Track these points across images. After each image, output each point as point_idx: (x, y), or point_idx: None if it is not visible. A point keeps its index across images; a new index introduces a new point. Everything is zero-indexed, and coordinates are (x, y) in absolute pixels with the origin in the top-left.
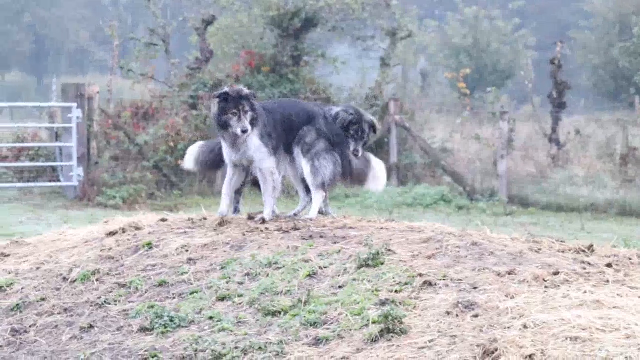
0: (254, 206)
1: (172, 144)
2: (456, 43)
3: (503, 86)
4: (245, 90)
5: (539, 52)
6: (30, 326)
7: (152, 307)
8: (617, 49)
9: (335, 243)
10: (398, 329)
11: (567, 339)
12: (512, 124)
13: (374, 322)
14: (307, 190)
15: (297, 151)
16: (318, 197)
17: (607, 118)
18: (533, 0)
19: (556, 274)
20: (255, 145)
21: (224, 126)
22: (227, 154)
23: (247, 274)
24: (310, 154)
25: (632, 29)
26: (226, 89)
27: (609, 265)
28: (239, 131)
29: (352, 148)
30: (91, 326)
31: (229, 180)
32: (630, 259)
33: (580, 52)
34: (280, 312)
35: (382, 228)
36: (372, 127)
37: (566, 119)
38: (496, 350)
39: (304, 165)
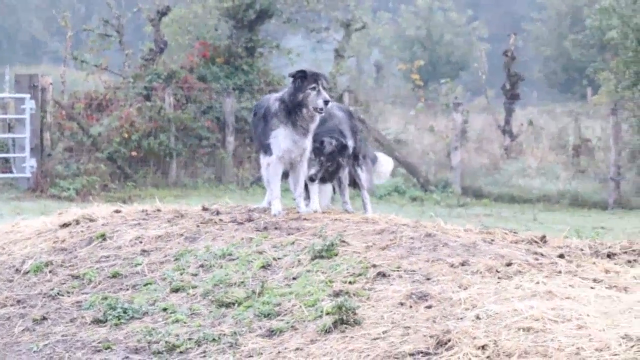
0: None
1: (126, 135)
2: (410, 35)
3: (457, 78)
4: None
5: (492, 44)
6: None
7: (106, 298)
8: (569, 41)
9: (289, 234)
10: (352, 320)
11: (519, 329)
12: (466, 115)
13: (327, 313)
14: None
15: None
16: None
17: (559, 109)
18: None
19: (509, 264)
20: None
21: None
22: None
23: (201, 266)
24: None
25: (583, 21)
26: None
27: (561, 256)
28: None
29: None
30: (44, 318)
31: None
32: (581, 249)
33: (533, 44)
34: (234, 304)
35: (336, 219)
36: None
37: (519, 111)
38: (449, 340)
39: None
